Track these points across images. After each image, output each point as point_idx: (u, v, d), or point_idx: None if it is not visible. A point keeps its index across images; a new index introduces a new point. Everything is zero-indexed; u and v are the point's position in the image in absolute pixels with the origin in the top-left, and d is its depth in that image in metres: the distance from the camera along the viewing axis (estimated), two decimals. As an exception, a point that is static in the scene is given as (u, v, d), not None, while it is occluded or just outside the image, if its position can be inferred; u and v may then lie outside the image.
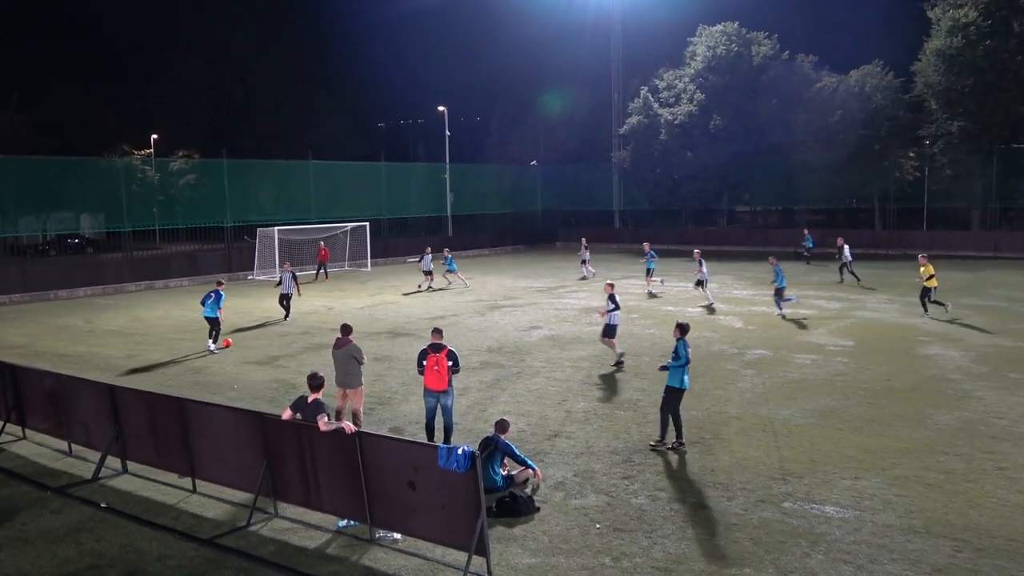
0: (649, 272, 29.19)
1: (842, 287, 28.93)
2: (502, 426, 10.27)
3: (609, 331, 16.87)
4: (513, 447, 10.16)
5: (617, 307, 16.73)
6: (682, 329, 11.58)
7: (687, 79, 50.38)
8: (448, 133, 52.83)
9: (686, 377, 11.33)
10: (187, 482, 10.29)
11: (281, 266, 23.50)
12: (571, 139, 64.41)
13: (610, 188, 57.24)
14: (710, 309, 24.03)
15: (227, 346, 19.63)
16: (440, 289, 30.44)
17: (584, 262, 34.59)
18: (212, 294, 19.66)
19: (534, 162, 62.72)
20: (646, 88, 51.91)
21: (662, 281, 29.40)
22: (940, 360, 16.67)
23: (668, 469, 10.59)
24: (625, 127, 52.56)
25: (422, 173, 52.68)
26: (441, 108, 53.57)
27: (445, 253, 31.33)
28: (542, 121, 65.83)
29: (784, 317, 22.40)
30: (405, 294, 29.22)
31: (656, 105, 51.10)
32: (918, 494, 9.61)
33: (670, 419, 11.33)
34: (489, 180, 56.02)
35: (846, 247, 30.59)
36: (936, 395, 13.94)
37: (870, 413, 12.91)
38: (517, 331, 21.07)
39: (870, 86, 44.73)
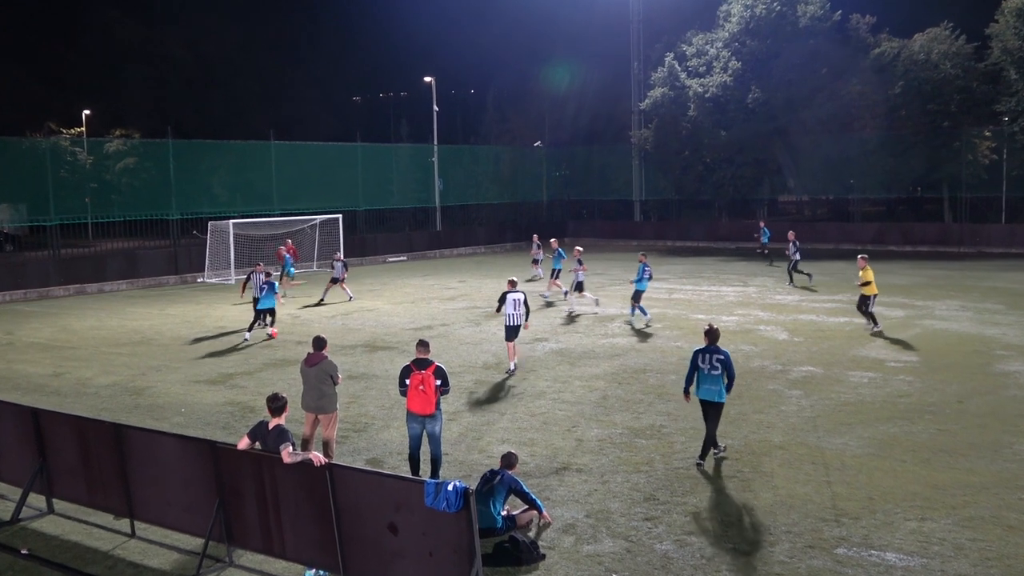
0: (555, 274, 29.05)
1: (797, 290, 29.58)
2: (509, 460, 10.27)
3: (508, 333, 17.96)
4: (523, 483, 10.17)
5: (501, 305, 17.92)
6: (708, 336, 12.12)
7: (720, 44, 50.44)
8: (436, 109, 52.91)
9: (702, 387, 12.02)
10: (125, 524, 10.26)
11: (254, 267, 23.98)
12: (582, 116, 64.48)
13: (629, 174, 57.30)
14: (571, 317, 24.85)
15: (274, 337, 22.50)
16: (320, 304, 29.23)
17: (536, 262, 34.56)
18: (265, 285, 22.48)
19: (538, 143, 62.79)
20: (671, 55, 51.99)
21: (565, 294, 27.96)
22: (1022, 378, 16.67)
23: (699, 508, 10.59)
24: (647, 101, 52.64)
25: (406, 156, 52.70)
26: (428, 79, 53.66)
27: (283, 252, 30.70)
28: (548, 95, 65.96)
29: (632, 325, 23.02)
30: (306, 307, 29.07)
31: (683, 75, 51.18)
32: (996, 538, 9.60)
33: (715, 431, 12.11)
34: (485, 165, 56.10)
35: (795, 243, 31.43)
36: (1018, 420, 13.93)
37: (938, 442, 12.91)
38: (518, 344, 21.05)
39: (937, 52, 44.80)
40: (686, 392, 12.13)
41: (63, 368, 19.60)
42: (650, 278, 23.81)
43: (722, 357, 11.82)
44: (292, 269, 30.93)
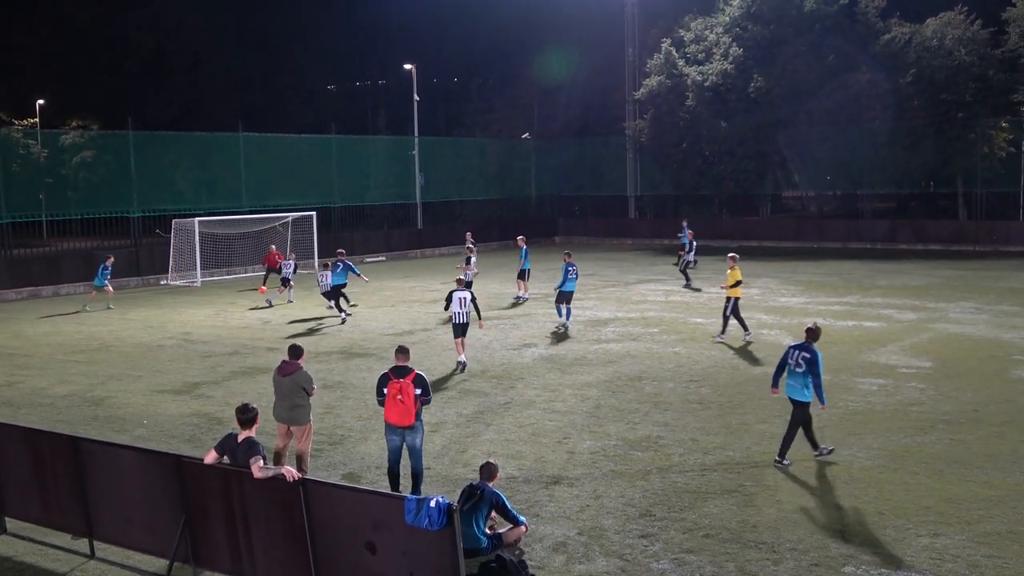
0: (524, 275, 29.65)
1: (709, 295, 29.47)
2: (489, 471, 10.30)
3: (456, 331, 19.06)
4: (505, 498, 10.19)
5: (448, 304, 19.07)
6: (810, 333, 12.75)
7: (720, 30, 50.59)
8: (417, 98, 52.85)
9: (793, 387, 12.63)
10: (83, 544, 10.24)
11: (331, 260, 27.07)
12: (573, 106, 64.50)
13: (623, 168, 57.42)
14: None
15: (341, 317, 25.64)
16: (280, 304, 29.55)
17: (469, 261, 34.84)
18: (340, 263, 25.78)
19: (527, 135, 62.83)
20: (668, 41, 52.10)
21: (525, 296, 29.45)
22: (1041, 385, 16.82)
23: (698, 525, 10.63)
24: (642, 90, 52.72)
25: (384, 149, 52.65)
26: (408, 66, 53.63)
27: (109, 262, 30.39)
28: (537, 84, 65.98)
29: (566, 328, 23.36)
30: (256, 307, 29.17)
31: (681, 63, 51.30)
32: (1013, 555, 9.68)
33: (794, 434, 12.62)
34: (470, 158, 56.10)
35: (692, 242, 33.03)
36: (1036, 429, 14.06)
37: (953, 453, 13.00)
38: (505, 350, 21.11)
39: (951, 38, 45.04)
40: (773, 386, 12.93)
41: (15, 377, 19.49)
42: (576, 277, 24.07)
43: (808, 355, 12.38)
44: (105, 279, 30.09)
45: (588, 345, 21.42)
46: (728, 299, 21.44)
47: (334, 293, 26.06)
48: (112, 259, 30.83)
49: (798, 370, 12.40)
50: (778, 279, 33.47)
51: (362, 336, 23.43)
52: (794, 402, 12.51)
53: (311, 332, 24.29)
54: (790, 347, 12.79)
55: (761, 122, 48.41)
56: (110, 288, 30.12)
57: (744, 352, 20.18)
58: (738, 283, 21.44)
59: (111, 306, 29.81)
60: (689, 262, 32.64)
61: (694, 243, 33.21)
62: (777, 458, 12.58)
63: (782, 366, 12.70)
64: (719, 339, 21.41)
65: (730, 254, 22.23)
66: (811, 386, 12.34)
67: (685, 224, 37.11)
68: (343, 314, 25.86)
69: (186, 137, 43.55)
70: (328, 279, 26.42)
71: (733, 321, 21.44)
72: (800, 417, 12.49)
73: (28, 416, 15.78)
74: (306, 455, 11.96)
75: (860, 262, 38.97)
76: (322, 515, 8.33)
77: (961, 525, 10.44)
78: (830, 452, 12.73)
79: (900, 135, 45.66)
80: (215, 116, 60.89)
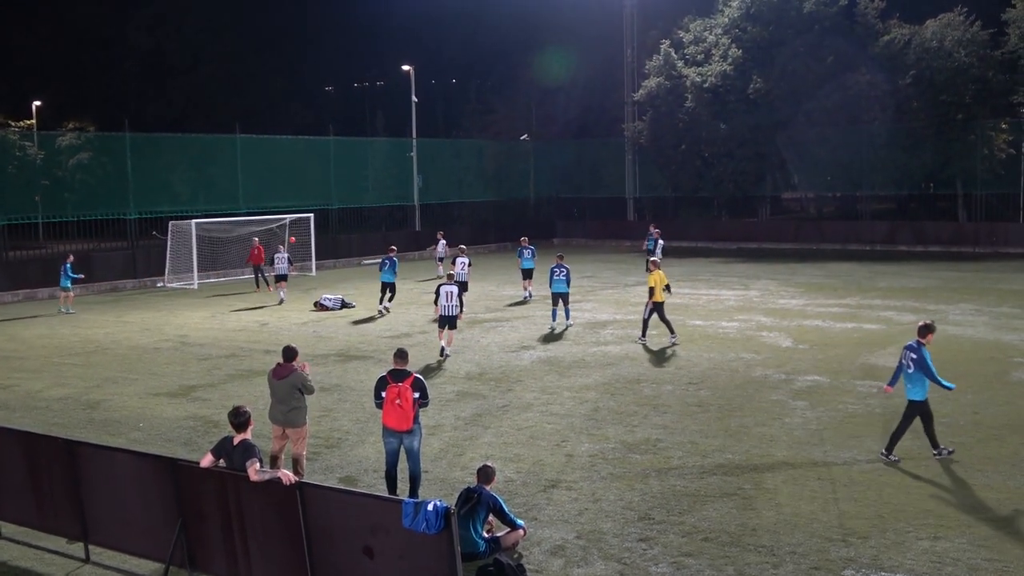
0: (528, 274, 29.88)
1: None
2: (486, 474, 10.30)
3: (442, 322, 20.59)
4: (502, 502, 10.18)
5: (437, 298, 20.56)
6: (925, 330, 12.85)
7: (719, 31, 50.62)
8: (415, 99, 52.88)
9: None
10: (79, 548, 10.23)
11: (388, 251, 27.91)
12: (572, 107, 64.52)
13: (622, 169, 57.45)
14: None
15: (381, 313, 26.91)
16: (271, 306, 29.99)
17: (440, 260, 34.84)
18: (387, 261, 26.91)
19: (525, 136, 62.84)
20: (667, 42, 52.15)
21: (529, 295, 29.78)
22: (1041, 387, 16.80)
23: (697, 528, 10.63)
24: (641, 92, 52.77)
25: (382, 150, 52.65)
26: (407, 67, 53.66)
27: (69, 259, 30.22)
28: (535, 85, 66.02)
29: (566, 328, 23.58)
30: (247, 307, 29.20)
31: (680, 64, 51.35)
32: (1015, 558, 9.68)
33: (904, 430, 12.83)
34: (468, 160, 56.12)
35: (660, 241, 33.72)
36: (1036, 432, 14.04)
37: (952, 455, 12.99)
38: (503, 352, 21.10)
39: (951, 40, 45.08)
40: (888, 384, 13.34)
41: (10, 380, 19.47)
42: (562, 278, 24.00)
43: (915, 357, 12.56)
44: (68, 281, 29.67)
45: (586, 347, 21.40)
46: (648, 302, 21.50)
47: (383, 288, 27.25)
48: (72, 258, 30.58)
49: (909, 371, 12.62)
50: (777, 281, 33.49)
51: (360, 338, 23.42)
52: (908, 401, 12.70)
53: (308, 334, 24.25)
54: (905, 347, 12.91)
55: (760, 123, 48.44)
56: (65, 292, 29.88)
57: (744, 355, 20.17)
58: (665, 287, 21.36)
59: (65, 310, 29.43)
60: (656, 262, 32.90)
61: (660, 241, 33.64)
62: (883, 451, 12.82)
63: (899, 367, 12.89)
64: (673, 340, 21.40)
65: (652, 259, 22.45)
66: (925, 385, 12.50)
67: (652, 229, 37.43)
68: (381, 306, 27.34)
69: (183, 139, 43.51)
70: (332, 301, 28.65)
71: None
72: (911, 414, 12.65)
73: (23, 419, 15.76)
74: (302, 458, 11.96)
75: (859, 264, 39.00)
76: (319, 519, 8.32)
77: (961, 528, 10.44)
78: (951, 453, 12.79)
79: (899, 136, 45.69)
80: (213, 117, 60.85)
